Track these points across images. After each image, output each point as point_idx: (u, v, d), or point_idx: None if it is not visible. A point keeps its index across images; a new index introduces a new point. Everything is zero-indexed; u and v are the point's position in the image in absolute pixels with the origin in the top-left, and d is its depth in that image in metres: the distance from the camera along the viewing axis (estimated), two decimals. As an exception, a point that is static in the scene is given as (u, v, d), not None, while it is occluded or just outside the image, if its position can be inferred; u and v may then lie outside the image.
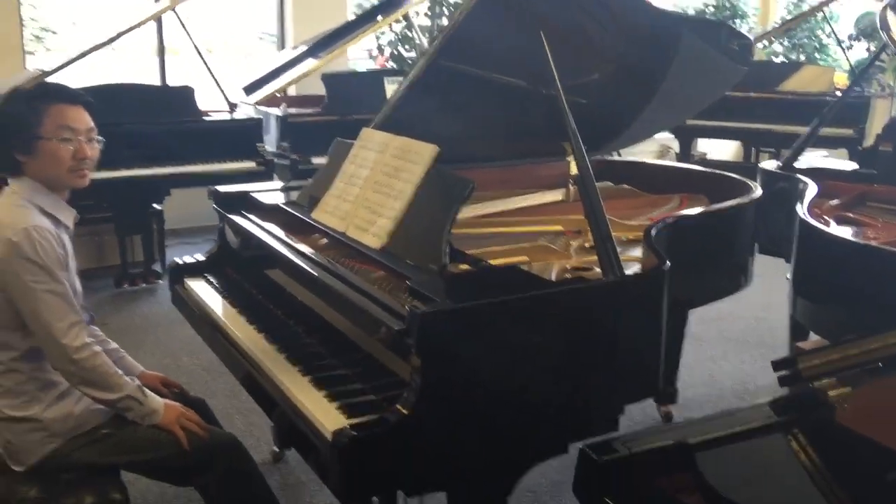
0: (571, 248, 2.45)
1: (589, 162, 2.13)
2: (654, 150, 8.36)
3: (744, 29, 8.01)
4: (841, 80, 6.84)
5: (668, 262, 1.97)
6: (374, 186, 2.23)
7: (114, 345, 2.27)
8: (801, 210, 2.52)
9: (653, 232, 2.18)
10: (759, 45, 7.62)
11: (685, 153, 7.02)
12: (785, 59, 7.94)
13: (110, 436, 2.01)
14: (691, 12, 7.97)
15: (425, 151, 2.13)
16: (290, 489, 2.89)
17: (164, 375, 2.37)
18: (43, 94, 2.00)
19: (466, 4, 2.33)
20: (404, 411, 1.63)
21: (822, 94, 6.21)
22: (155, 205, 5.12)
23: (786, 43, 8.03)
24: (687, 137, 6.98)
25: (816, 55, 7.91)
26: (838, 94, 5.77)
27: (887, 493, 1.12)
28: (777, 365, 1.29)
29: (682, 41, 2.91)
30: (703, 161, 7.37)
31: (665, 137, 7.79)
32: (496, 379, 1.70)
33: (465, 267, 1.99)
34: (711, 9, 7.95)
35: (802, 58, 7.92)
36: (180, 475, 2.11)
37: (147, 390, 2.06)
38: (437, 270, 1.88)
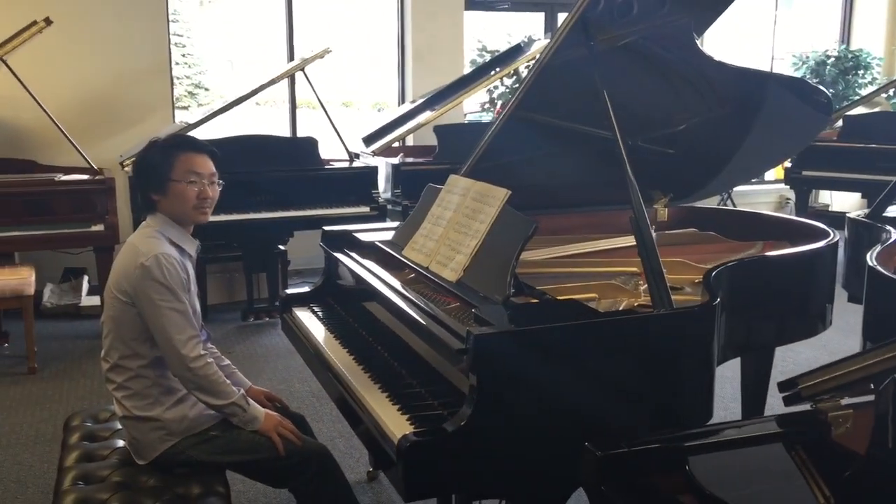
0: (641, 287, 2.60)
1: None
2: (772, 200, 8.27)
3: (867, 79, 7.85)
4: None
5: (718, 299, 2.10)
6: (455, 226, 2.48)
7: (227, 361, 2.60)
8: (870, 256, 2.57)
9: (712, 273, 2.32)
10: (883, 96, 7.45)
11: (802, 204, 6.92)
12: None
13: (217, 437, 2.31)
14: (811, 64, 7.89)
15: (499, 194, 2.36)
16: (381, 506, 3.13)
17: (268, 391, 2.67)
18: (175, 144, 2.37)
19: (542, 61, 2.55)
20: (460, 422, 1.84)
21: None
22: (280, 246, 5.56)
23: (914, 93, 7.80)
24: (804, 188, 6.88)
25: (948, 105, 7.64)
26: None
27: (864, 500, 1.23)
28: (782, 386, 1.42)
29: (768, 95, 3.05)
30: (820, 213, 7.24)
31: (782, 188, 7.71)
32: (543, 398, 1.89)
33: (529, 298, 2.20)
34: (832, 59, 7.84)
35: (932, 108, 7.67)
36: (276, 477, 2.39)
37: (251, 400, 2.36)
38: (500, 301, 2.10)
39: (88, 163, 5.02)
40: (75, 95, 5.77)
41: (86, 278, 5.74)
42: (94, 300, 5.35)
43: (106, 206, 4.84)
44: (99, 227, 4.80)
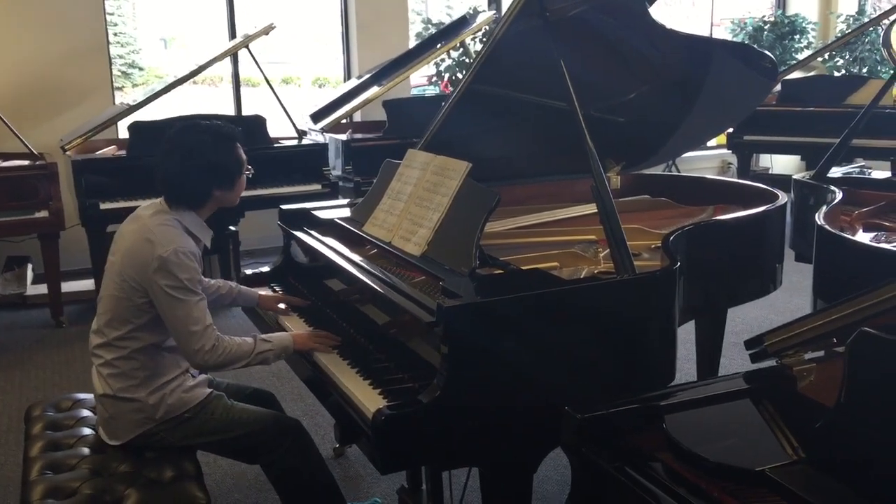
0: (601, 254, 2.65)
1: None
2: (714, 165, 8.44)
3: (803, 44, 8.04)
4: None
5: (678, 262, 2.16)
6: (416, 201, 2.49)
7: (231, 283, 2.69)
8: (818, 216, 2.67)
9: (670, 238, 2.38)
10: (819, 60, 7.65)
11: (744, 168, 7.08)
12: (847, 73, 7.93)
13: (191, 419, 2.31)
14: (749, 30, 8.05)
15: (459, 167, 2.38)
16: (349, 481, 3.15)
17: (279, 294, 2.81)
18: (230, 136, 2.37)
19: (497, 33, 2.56)
20: (435, 393, 1.87)
21: (885, 107, 6.20)
22: (231, 227, 5.49)
23: (847, 56, 8.01)
24: (745, 153, 7.04)
25: (879, 68, 7.88)
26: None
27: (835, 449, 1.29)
28: (749, 343, 1.48)
29: (715, 61, 3.10)
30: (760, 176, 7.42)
31: (724, 153, 7.88)
32: (514, 366, 1.92)
33: (494, 269, 2.22)
34: (769, 25, 8.00)
35: (864, 71, 7.90)
36: (249, 454, 2.40)
37: (271, 335, 2.38)
38: (467, 273, 2.12)
39: (28, 148, 4.88)
40: (11, 79, 5.59)
41: (30, 266, 5.59)
42: (41, 289, 5.22)
43: (49, 192, 4.72)
44: (43, 214, 4.69)
